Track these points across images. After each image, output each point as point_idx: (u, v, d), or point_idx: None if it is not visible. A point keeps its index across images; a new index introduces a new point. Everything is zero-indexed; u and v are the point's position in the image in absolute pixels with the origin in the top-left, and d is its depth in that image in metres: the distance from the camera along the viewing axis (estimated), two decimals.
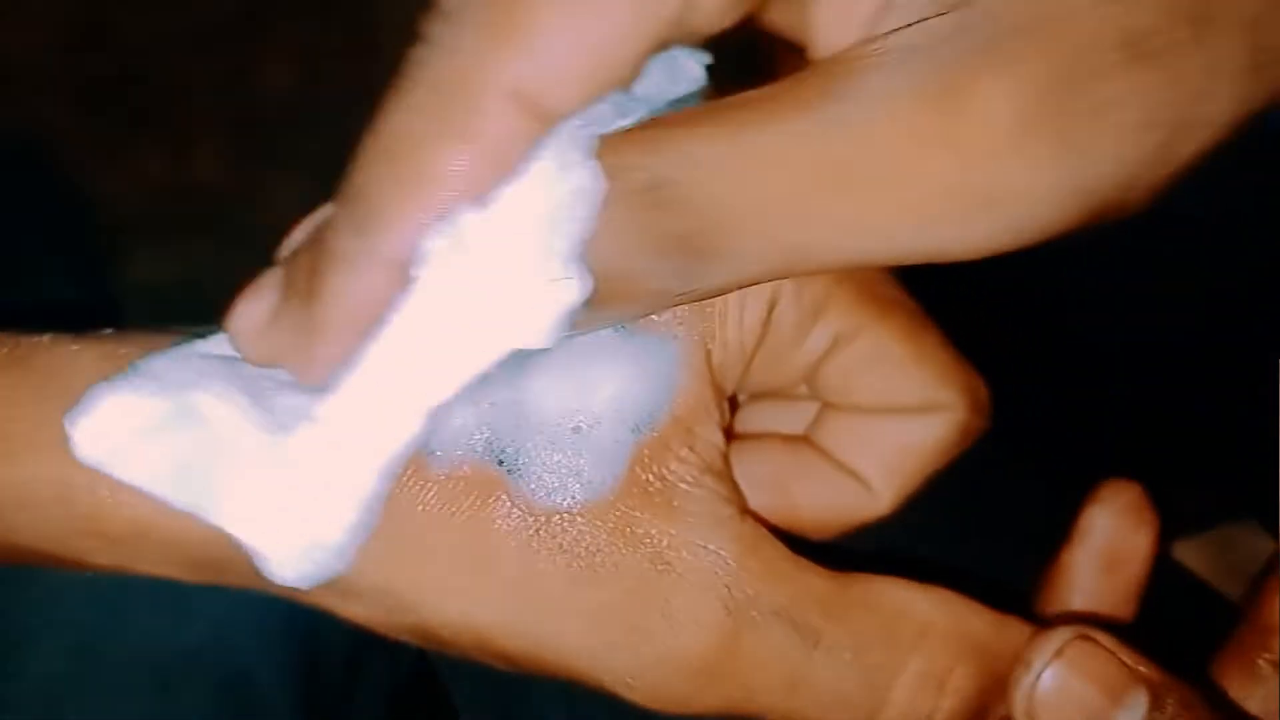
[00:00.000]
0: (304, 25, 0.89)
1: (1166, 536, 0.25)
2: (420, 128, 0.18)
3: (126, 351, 0.21)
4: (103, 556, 0.21)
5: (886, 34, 0.18)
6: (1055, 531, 0.25)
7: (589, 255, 0.18)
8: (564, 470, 0.20)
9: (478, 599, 0.20)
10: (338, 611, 0.21)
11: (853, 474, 0.24)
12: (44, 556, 0.21)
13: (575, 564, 0.20)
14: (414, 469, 0.20)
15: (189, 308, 0.22)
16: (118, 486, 0.20)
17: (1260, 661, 0.23)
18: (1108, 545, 0.24)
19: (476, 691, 0.36)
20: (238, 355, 0.21)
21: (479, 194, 0.18)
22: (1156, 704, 0.20)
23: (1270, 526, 0.44)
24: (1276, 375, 0.32)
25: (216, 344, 0.21)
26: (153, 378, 0.20)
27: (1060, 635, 0.21)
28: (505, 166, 0.18)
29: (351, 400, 0.19)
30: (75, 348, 0.21)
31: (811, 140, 0.17)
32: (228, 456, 0.19)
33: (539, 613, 0.20)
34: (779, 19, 0.21)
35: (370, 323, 0.19)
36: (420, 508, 0.20)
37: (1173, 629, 0.25)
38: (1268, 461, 0.31)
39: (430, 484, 0.20)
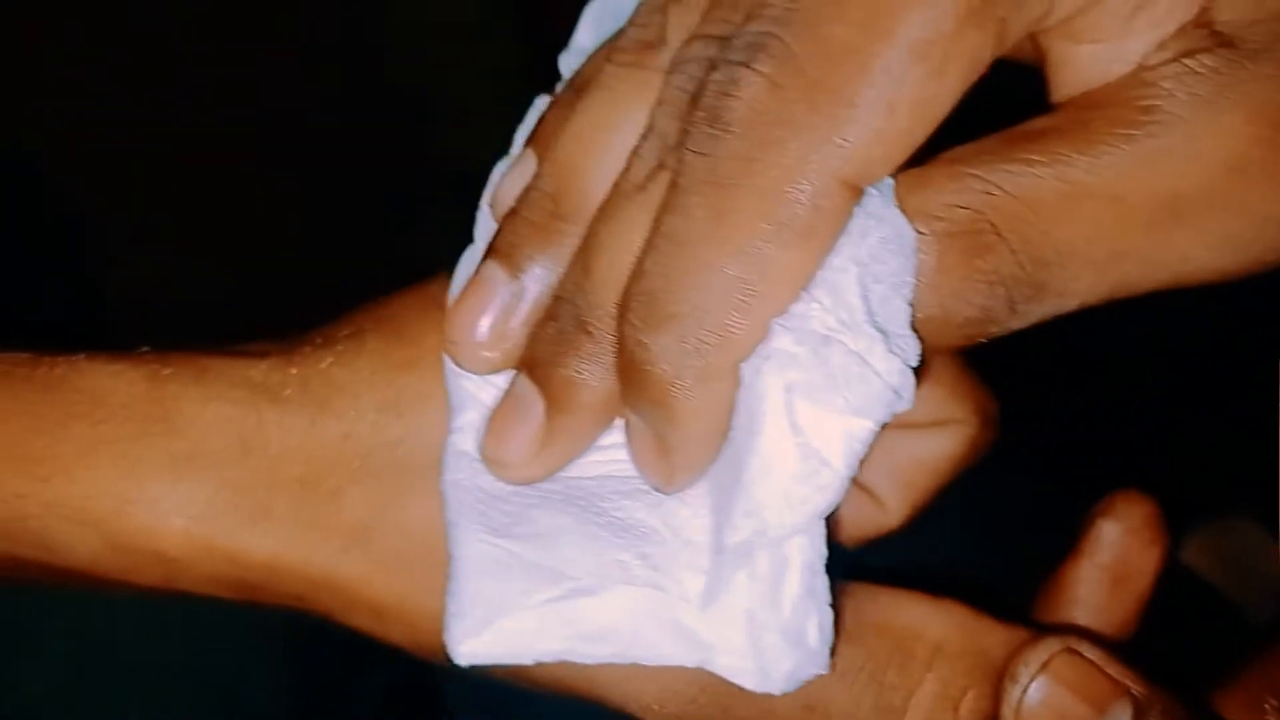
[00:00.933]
0: (300, 31, 0.89)
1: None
2: (754, 234, 0.17)
3: (170, 372, 0.21)
4: (149, 575, 0.21)
5: (1173, 59, 0.18)
6: (1060, 538, 0.25)
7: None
8: None
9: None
10: (372, 633, 0.22)
11: (863, 488, 0.25)
12: (88, 577, 0.21)
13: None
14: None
15: (180, 315, 0.22)
16: (179, 505, 0.20)
17: (1267, 705, 0.23)
18: (1115, 561, 0.24)
19: (471, 694, 0.36)
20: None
21: (809, 280, 0.18)
22: (1140, 715, 0.21)
23: (1269, 524, 0.44)
24: (1277, 375, 0.32)
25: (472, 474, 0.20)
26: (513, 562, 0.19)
27: (1046, 647, 0.21)
28: (830, 247, 0.18)
29: (752, 507, 0.18)
30: (117, 368, 0.21)
31: (1141, 172, 0.18)
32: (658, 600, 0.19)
33: None
34: (1026, 48, 0.20)
35: (723, 427, 0.19)
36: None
37: (1169, 626, 0.25)
38: (1267, 459, 0.31)
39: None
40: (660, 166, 0.19)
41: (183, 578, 0.21)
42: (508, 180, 0.22)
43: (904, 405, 0.18)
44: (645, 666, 0.20)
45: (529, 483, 0.20)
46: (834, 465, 0.18)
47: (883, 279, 0.18)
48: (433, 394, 0.21)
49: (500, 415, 0.20)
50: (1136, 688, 0.21)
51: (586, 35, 0.24)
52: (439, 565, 0.20)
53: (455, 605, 0.19)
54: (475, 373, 0.21)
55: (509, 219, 0.21)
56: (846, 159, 0.17)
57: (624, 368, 0.19)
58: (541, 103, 0.23)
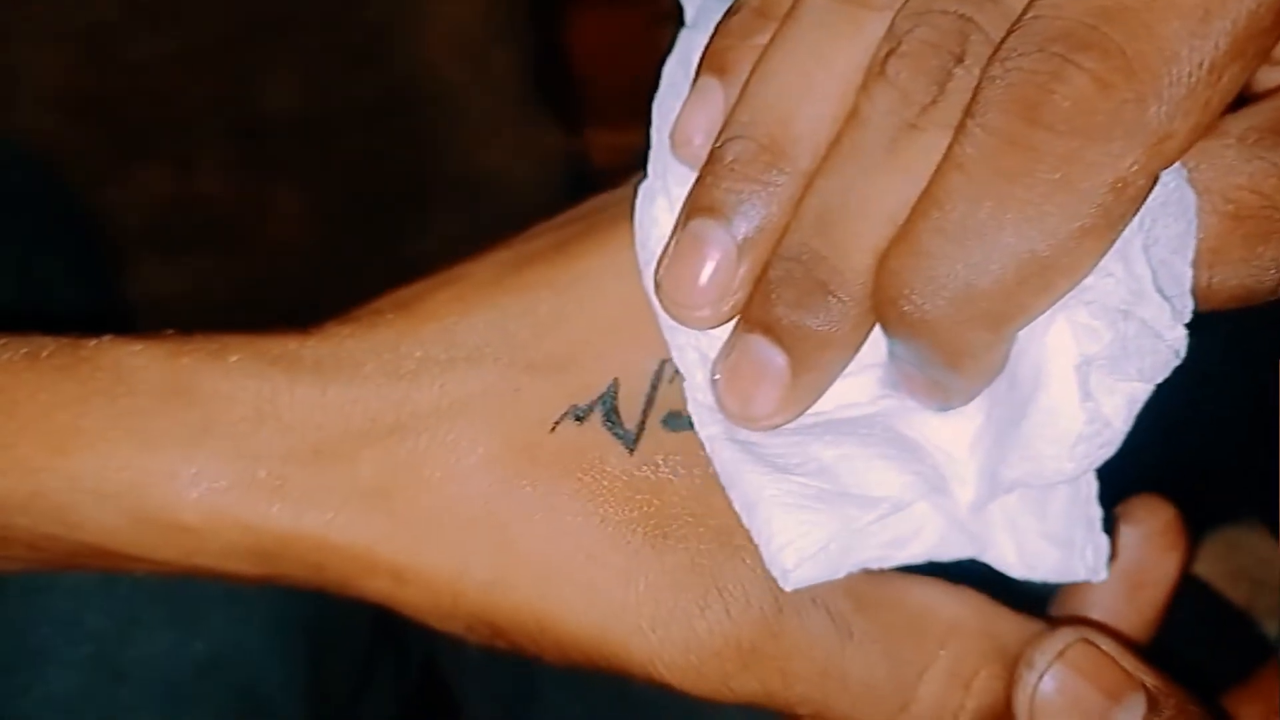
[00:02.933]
0: (307, 39, 0.90)
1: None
2: (1061, 224, 0.17)
3: (189, 349, 0.21)
4: (168, 549, 0.21)
5: None
6: None
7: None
8: None
9: (549, 572, 0.21)
10: (391, 600, 0.22)
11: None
12: (106, 553, 0.22)
13: (654, 528, 0.21)
14: (526, 450, 0.21)
15: (194, 321, 0.23)
16: (196, 476, 0.21)
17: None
18: (1134, 567, 0.24)
19: (484, 699, 0.36)
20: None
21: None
22: (1154, 707, 0.21)
23: (1274, 528, 0.44)
24: (1277, 375, 0.33)
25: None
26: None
27: (1063, 637, 0.21)
28: None
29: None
30: (138, 347, 0.22)
31: None
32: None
33: (607, 581, 0.21)
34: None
35: (1000, 368, 0.19)
36: (519, 487, 0.21)
37: (1179, 636, 0.25)
38: (1271, 463, 0.31)
39: (541, 463, 0.21)
40: (912, 126, 0.19)
41: (201, 551, 0.21)
42: (692, 112, 0.21)
43: (1178, 362, 0.19)
44: (666, 627, 0.20)
45: (778, 428, 0.21)
46: (1116, 425, 0.19)
47: (1161, 240, 0.19)
48: (432, 357, 0.22)
49: (738, 375, 0.21)
50: (1151, 681, 0.21)
51: None
52: (456, 524, 0.21)
53: (778, 538, 0.20)
54: (695, 328, 0.21)
55: (714, 169, 0.20)
56: (1165, 156, 0.18)
57: (895, 327, 0.19)
58: (697, 31, 0.22)
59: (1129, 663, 0.21)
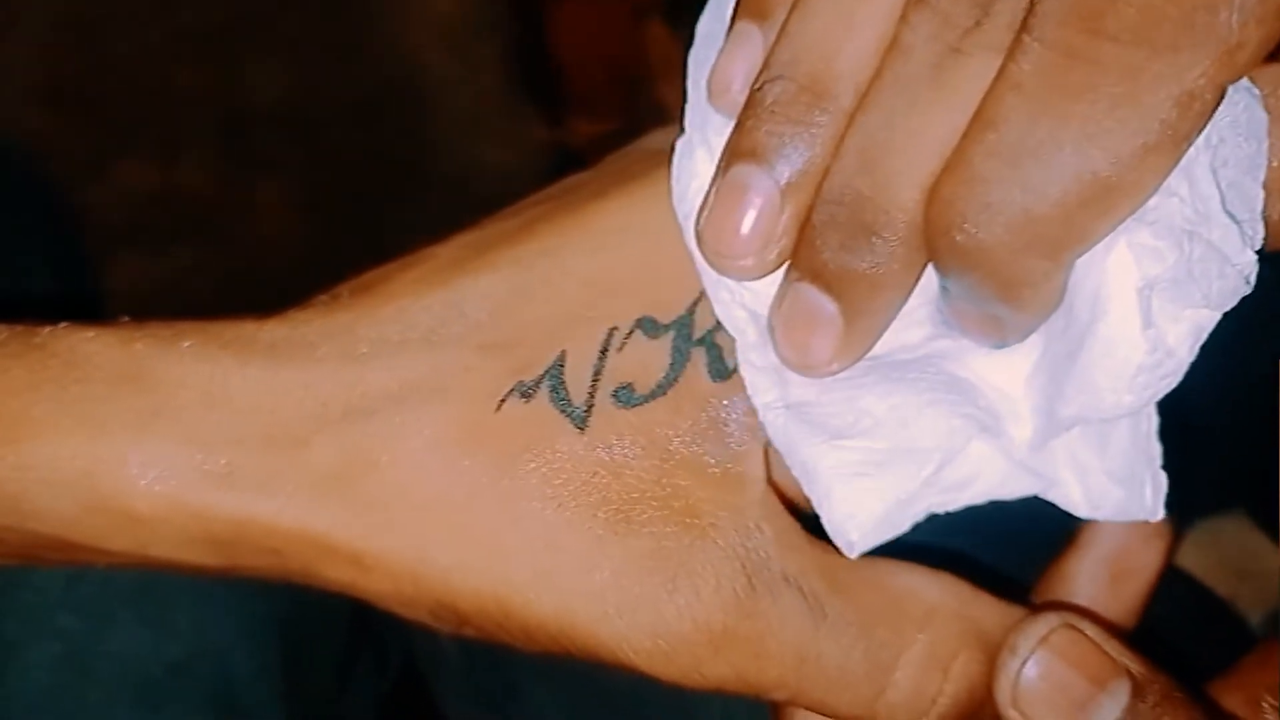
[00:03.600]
0: (292, 31, 0.89)
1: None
2: (1125, 141, 0.17)
3: (142, 334, 0.21)
4: (123, 539, 0.21)
5: None
6: (1058, 524, 0.25)
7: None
8: None
9: (508, 557, 0.20)
10: (354, 587, 0.21)
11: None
12: (61, 544, 0.21)
13: (614, 515, 0.20)
14: (473, 429, 0.20)
15: (174, 312, 0.22)
16: (145, 463, 0.20)
17: (1264, 704, 0.23)
18: (1116, 557, 0.24)
19: (463, 697, 0.36)
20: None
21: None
22: (1139, 694, 0.21)
23: (1260, 519, 0.44)
24: (1276, 374, 0.32)
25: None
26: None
27: (1046, 622, 0.21)
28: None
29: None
30: (91, 333, 0.21)
31: None
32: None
33: (568, 568, 0.20)
34: None
35: (1060, 299, 0.19)
36: (469, 469, 0.20)
37: (1162, 626, 0.25)
38: (1262, 458, 0.31)
39: (488, 443, 0.20)
40: (956, 50, 0.18)
41: (156, 541, 0.21)
42: (729, 59, 0.20)
43: (1247, 290, 0.18)
44: (634, 613, 0.20)
45: (837, 374, 0.20)
46: (1179, 355, 0.18)
47: (1230, 162, 0.18)
48: (385, 338, 0.21)
49: (792, 325, 0.20)
50: (1136, 667, 0.21)
51: None
52: (410, 509, 0.20)
53: (839, 509, 0.20)
54: (739, 278, 0.20)
55: (753, 112, 0.19)
56: (1235, 68, 0.17)
57: (949, 259, 0.18)
58: None
59: (1113, 648, 0.21)
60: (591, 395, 0.21)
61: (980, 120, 0.17)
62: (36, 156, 0.71)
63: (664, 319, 0.21)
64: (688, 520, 0.20)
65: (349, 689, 0.39)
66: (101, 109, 0.87)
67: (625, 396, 0.21)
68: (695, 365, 0.21)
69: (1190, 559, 0.44)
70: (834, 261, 0.19)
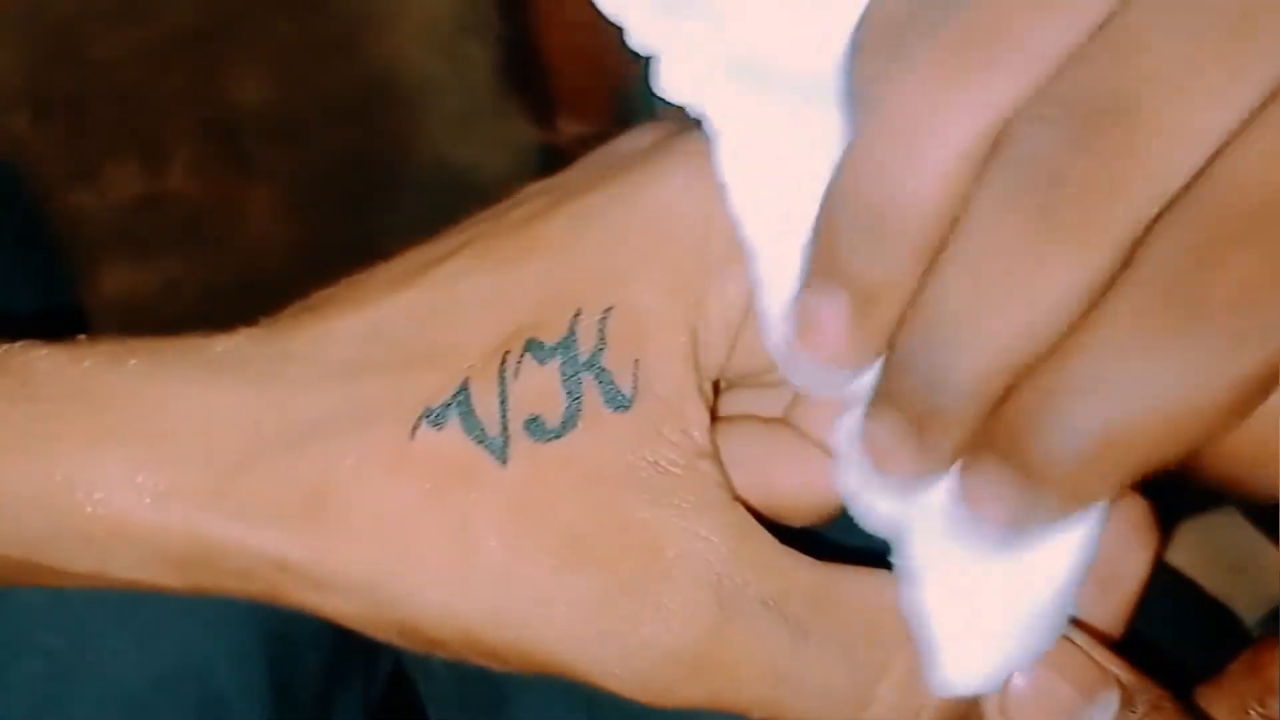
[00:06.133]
0: (278, 35, 0.89)
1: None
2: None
3: (94, 351, 0.21)
4: (82, 561, 0.20)
5: None
6: None
7: None
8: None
9: (463, 588, 0.20)
10: (320, 610, 0.21)
11: (830, 452, 0.24)
12: (24, 567, 0.21)
13: (564, 551, 0.20)
14: (396, 457, 0.20)
15: (163, 321, 0.22)
16: (95, 485, 0.20)
17: (1252, 712, 0.22)
18: (1105, 563, 0.23)
19: (452, 709, 0.36)
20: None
21: None
22: (1127, 703, 0.20)
23: (1254, 513, 0.44)
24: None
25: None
26: None
27: None
28: None
29: None
30: (45, 352, 0.21)
31: None
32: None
33: (525, 602, 0.20)
34: None
35: None
36: (403, 497, 0.20)
37: (1154, 623, 0.24)
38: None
39: (413, 472, 0.20)
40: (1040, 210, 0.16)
41: (114, 561, 0.20)
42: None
43: None
44: (600, 644, 0.20)
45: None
46: None
47: None
48: (313, 359, 0.21)
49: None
50: (1125, 676, 0.21)
51: None
52: (358, 533, 0.20)
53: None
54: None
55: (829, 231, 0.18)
56: None
57: (1016, 470, 0.18)
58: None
59: (1102, 657, 0.21)
60: (505, 428, 0.20)
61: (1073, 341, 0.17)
62: (19, 163, 0.71)
63: (549, 339, 0.21)
64: (650, 554, 0.20)
65: (337, 700, 0.38)
66: (85, 114, 0.87)
67: (537, 430, 0.20)
68: (591, 396, 0.20)
69: (1181, 555, 0.44)
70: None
